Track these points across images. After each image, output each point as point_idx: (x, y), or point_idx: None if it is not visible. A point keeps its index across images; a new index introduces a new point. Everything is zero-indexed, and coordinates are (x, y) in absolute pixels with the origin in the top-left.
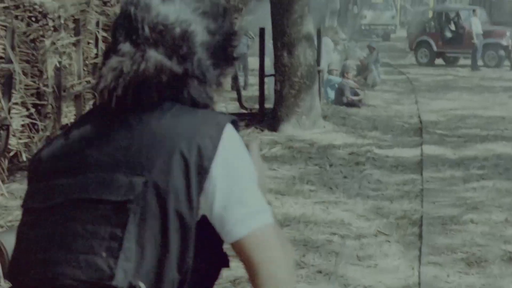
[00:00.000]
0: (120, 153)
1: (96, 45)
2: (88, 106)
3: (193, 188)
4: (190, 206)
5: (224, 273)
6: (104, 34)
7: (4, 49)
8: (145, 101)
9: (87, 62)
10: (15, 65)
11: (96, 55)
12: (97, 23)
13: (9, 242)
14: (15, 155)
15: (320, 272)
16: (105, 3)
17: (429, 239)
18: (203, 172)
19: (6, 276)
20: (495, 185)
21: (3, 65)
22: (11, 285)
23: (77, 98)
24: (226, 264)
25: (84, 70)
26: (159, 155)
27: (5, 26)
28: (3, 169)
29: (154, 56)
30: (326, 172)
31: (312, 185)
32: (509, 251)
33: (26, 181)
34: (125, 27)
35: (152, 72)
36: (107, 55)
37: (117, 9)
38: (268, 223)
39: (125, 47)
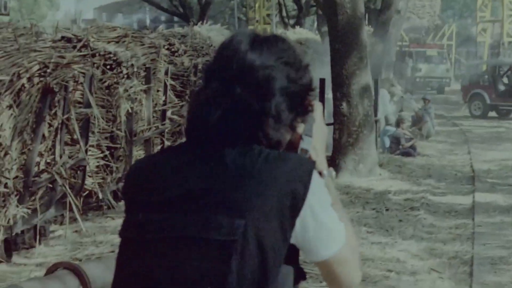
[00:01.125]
0: (219, 194)
1: (165, 93)
2: (156, 150)
3: (287, 227)
4: (284, 243)
5: None
6: (172, 82)
7: (82, 94)
8: (232, 140)
9: (156, 108)
10: (94, 109)
11: (165, 102)
12: (166, 72)
13: (91, 271)
14: (89, 194)
15: None
16: (173, 53)
17: (479, 277)
18: (296, 212)
19: None
20: None
21: (82, 109)
22: None
23: (147, 142)
24: (303, 277)
25: (153, 116)
26: (257, 198)
27: (84, 73)
28: (78, 207)
29: (239, 91)
30: (383, 216)
31: (370, 227)
32: None
33: (124, 209)
34: (216, 68)
35: (234, 107)
36: (197, 95)
37: (184, 59)
38: (344, 242)
39: (214, 83)
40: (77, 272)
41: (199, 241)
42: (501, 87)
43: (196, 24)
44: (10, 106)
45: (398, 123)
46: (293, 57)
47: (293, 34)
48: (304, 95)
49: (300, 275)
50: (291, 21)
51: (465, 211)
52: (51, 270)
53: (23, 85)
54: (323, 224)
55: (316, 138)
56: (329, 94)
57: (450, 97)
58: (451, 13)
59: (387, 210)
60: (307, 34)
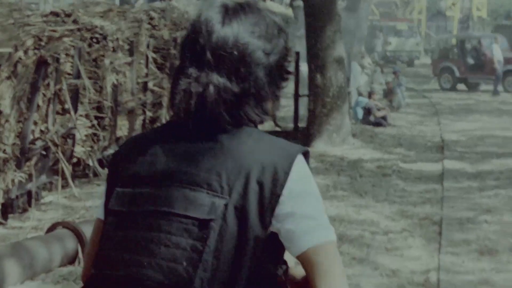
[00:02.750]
0: (202, 173)
1: (146, 65)
2: (139, 120)
3: (266, 212)
4: (263, 227)
5: None
6: (153, 55)
7: (72, 66)
8: (222, 124)
9: (138, 80)
10: (85, 80)
11: (146, 74)
12: (148, 45)
13: (88, 230)
14: (77, 162)
15: (354, 259)
16: (153, 27)
17: (448, 235)
18: (275, 197)
19: (92, 268)
20: (508, 193)
21: (72, 81)
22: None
23: (130, 113)
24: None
25: (136, 88)
26: (238, 180)
27: (73, 46)
28: (70, 173)
29: (216, 78)
30: (357, 182)
31: (345, 191)
32: None
33: (106, 181)
34: (190, 51)
35: (213, 92)
36: (177, 76)
37: (164, 33)
38: (333, 240)
39: (192, 70)
40: (75, 231)
41: (181, 218)
42: (470, 61)
43: None
44: (8, 77)
45: (370, 95)
46: (265, 27)
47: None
48: (281, 63)
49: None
50: None
51: (434, 177)
52: (51, 229)
53: (19, 57)
54: (306, 210)
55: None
56: (301, 66)
57: (420, 71)
58: None
59: (361, 176)
60: (278, 9)
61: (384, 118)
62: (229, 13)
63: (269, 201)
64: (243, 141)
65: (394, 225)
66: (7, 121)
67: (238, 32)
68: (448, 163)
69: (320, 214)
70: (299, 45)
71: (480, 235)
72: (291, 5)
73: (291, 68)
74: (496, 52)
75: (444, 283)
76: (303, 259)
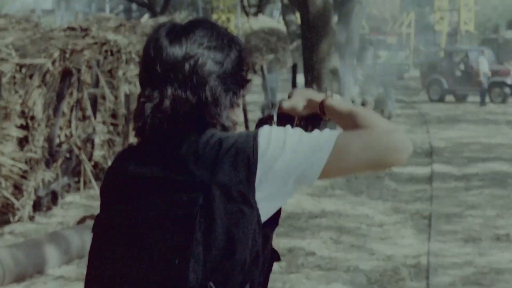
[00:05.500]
0: (178, 176)
1: None
2: None
3: (248, 183)
4: (250, 204)
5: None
6: None
7: (91, 76)
8: (182, 133)
9: None
10: (105, 89)
11: None
12: None
13: None
14: (94, 166)
15: (353, 246)
16: None
17: (436, 227)
18: (253, 164)
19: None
20: (491, 192)
21: (91, 90)
22: None
23: None
24: (277, 258)
25: None
26: (213, 176)
27: (93, 58)
28: (92, 173)
29: (170, 91)
30: (352, 183)
31: (342, 190)
32: (497, 234)
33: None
34: (145, 72)
35: (170, 105)
36: (138, 99)
37: None
38: (338, 135)
39: (147, 90)
40: None
41: (163, 219)
42: (458, 73)
43: (161, 13)
44: (39, 86)
45: (363, 105)
46: (214, 38)
47: (256, 23)
48: (236, 70)
49: (274, 256)
50: (252, 10)
51: (424, 179)
52: (81, 221)
53: (48, 68)
54: (295, 149)
55: (295, 97)
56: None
57: (409, 83)
58: (410, 2)
59: (356, 178)
60: (271, 23)
61: None
62: (176, 30)
63: (248, 171)
64: (208, 141)
65: (387, 219)
66: (38, 125)
67: (187, 46)
68: (436, 167)
69: (311, 134)
70: (292, 58)
71: (465, 227)
72: (283, 18)
73: (250, 76)
74: (483, 64)
75: (433, 265)
76: (327, 170)
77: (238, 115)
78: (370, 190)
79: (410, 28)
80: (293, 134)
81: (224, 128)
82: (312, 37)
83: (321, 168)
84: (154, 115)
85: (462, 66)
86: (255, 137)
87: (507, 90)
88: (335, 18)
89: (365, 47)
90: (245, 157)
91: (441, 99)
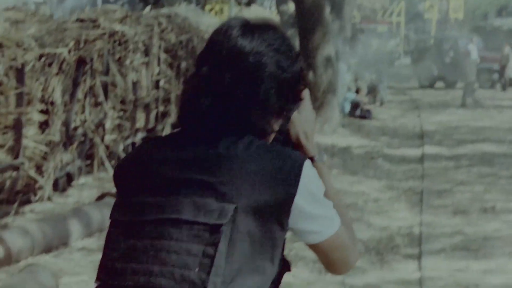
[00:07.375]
0: (210, 179)
1: (158, 64)
2: (153, 114)
3: (283, 214)
4: (282, 228)
5: None
6: (164, 55)
7: (102, 64)
8: (223, 128)
9: (152, 78)
10: (116, 77)
11: (158, 73)
12: (159, 47)
13: None
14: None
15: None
16: (162, 31)
17: (428, 201)
18: (287, 208)
19: (97, 279)
20: (479, 170)
21: (102, 77)
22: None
23: (146, 107)
24: (288, 268)
25: (150, 85)
26: (247, 188)
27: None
28: (106, 155)
29: (228, 77)
30: (348, 163)
31: (339, 169)
32: (484, 206)
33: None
34: (207, 54)
35: (223, 92)
36: (188, 81)
37: (171, 36)
38: (338, 228)
39: (204, 69)
40: None
41: (190, 224)
42: (447, 59)
43: (154, 4)
44: (57, 73)
45: (357, 91)
46: (285, 45)
47: (249, 13)
48: (294, 83)
49: (285, 266)
50: (245, 0)
51: (416, 159)
52: (100, 198)
53: (64, 57)
54: (315, 216)
55: (304, 122)
56: None
57: (401, 71)
58: None
59: (351, 159)
60: (263, 13)
61: (368, 111)
62: (250, 26)
63: (282, 211)
64: (248, 146)
65: (382, 195)
66: (57, 110)
67: (257, 42)
68: (427, 148)
69: (327, 210)
70: None
71: (455, 201)
72: (277, 8)
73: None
74: (472, 51)
75: (425, 234)
76: (316, 250)
77: (279, 124)
78: (365, 169)
79: (400, 16)
80: (322, 203)
81: (262, 133)
82: (307, 26)
83: (311, 243)
84: (212, 101)
85: (451, 53)
86: (299, 167)
87: (494, 76)
88: (328, 8)
89: (356, 36)
90: (285, 181)
91: (431, 85)
